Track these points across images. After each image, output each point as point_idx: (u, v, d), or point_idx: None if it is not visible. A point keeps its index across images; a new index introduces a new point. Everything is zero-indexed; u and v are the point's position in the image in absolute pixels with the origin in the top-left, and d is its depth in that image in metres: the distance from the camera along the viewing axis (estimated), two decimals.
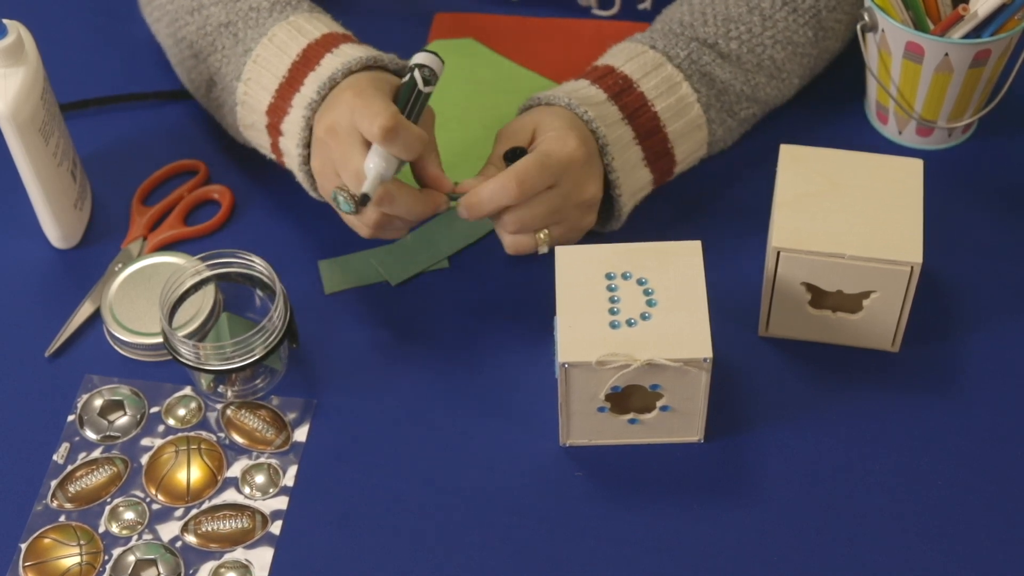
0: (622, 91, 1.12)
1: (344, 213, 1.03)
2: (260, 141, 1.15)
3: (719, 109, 1.15)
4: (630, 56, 1.14)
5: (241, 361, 1.04)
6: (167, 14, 1.21)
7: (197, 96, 1.21)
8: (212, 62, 1.17)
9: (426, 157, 1.06)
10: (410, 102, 1.05)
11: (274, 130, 1.12)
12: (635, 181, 1.12)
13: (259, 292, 1.10)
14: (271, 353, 1.05)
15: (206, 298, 1.12)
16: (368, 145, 1.03)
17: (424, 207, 1.05)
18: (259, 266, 1.07)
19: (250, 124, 1.15)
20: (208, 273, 1.09)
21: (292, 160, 1.12)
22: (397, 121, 1.01)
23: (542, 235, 1.07)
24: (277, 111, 1.12)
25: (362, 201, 1.02)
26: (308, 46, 1.12)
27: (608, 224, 1.14)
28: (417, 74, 1.05)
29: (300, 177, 1.12)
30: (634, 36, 1.17)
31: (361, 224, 1.06)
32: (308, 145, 1.10)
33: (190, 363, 1.05)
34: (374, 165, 1.02)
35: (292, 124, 1.10)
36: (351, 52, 1.10)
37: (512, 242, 1.08)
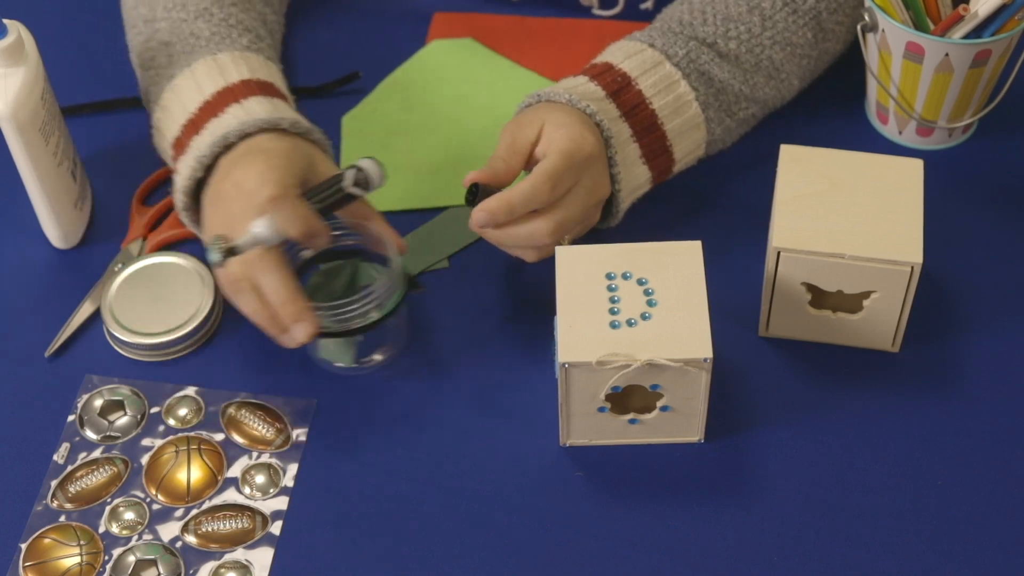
0: (620, 89, 1.12)
1: (212, 262, 1.02)
2: (170, 166, 1.14)
3: (717, 108, 1.15)
4: (628, 54, 1.14)
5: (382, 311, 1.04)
6: (130, 18, 1.21)
7: None
8: (148, 76, 1.17)
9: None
10: (327, 193, 1.04)
11: (175, 163, 1.11)
12: (634, 178, 1.12)
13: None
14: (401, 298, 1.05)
15: (205, 298, 1.12)
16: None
17: (286, 291, 1.01)
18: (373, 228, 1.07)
19: (162, 150, 1.15)
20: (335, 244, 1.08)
21: (176, 200, 1.10)
22: (283, 194, 1.01)
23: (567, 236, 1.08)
24: (179, 146, 1.11)
25: (228, 252, 1.00)
26: (224, 89, 1.10)
27: (606, 221, 1.14)
28: (349, 173, 1.04)
29: (182, 218, 1.11)
30: (633, 34, 1.17)
31: (219, 274, 1.04)
32: (190, 194, 1.08)
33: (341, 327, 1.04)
34: (259, 227, 1.01)
35: (184, 166, 1.09)
36: (255, 109, 1.08)
37: (542, 253, 1.08)
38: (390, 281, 1.05)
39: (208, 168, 1.07)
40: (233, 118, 1.07)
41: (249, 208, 1.02)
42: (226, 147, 1.06)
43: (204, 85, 1.11)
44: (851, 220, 1.04)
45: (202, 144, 1.07)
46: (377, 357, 1.09)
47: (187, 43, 1.14)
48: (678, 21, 1.17)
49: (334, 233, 1.06)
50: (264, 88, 1.12)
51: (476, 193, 1.06)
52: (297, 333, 1.02)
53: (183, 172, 1.08)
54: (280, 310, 1.01)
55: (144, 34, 1.18)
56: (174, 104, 1.12)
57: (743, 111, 1.17)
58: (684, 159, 1.16)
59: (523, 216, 1.05)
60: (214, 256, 1.00)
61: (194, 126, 1.10)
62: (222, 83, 1.11)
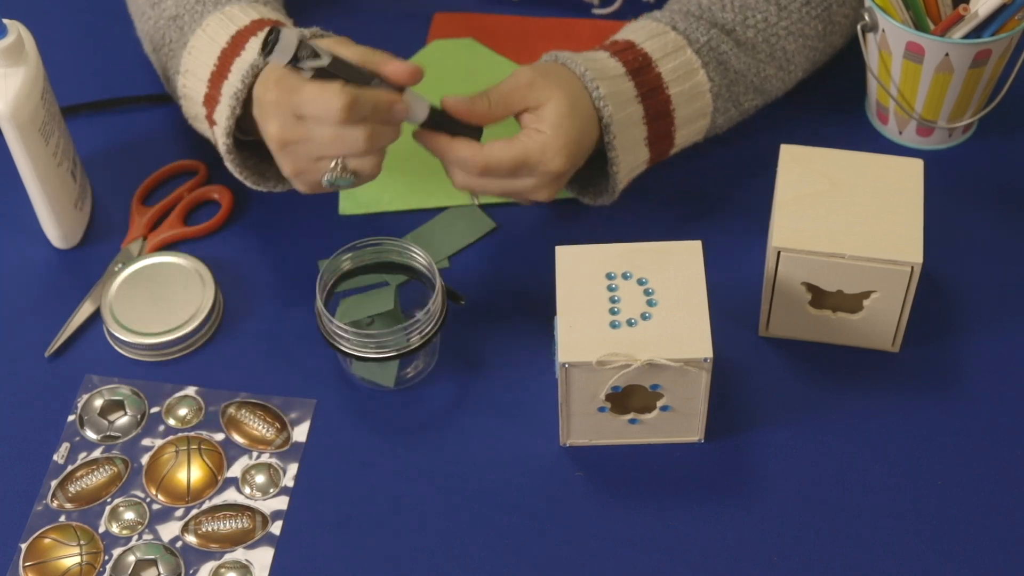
0: (641, 68, 1.11)
1: (342, 186, 1.04)
2: (207, 133, 1.14)
3: (726, 99, 1.15)
4: (651, 34, 1.13)
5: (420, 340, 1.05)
6: (137, 8, 1.21)
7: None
8: (163, 56, 1.17)
9: (376, 64, 1.03)
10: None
11: (210, 120, 1.11)
12: (633, 159, 1.12)
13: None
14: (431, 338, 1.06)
15: (205, 298, 1.12)
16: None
17: (381, 103, 1.02)
18: (418, 255, 1.08)
19: (194, 116, 1.14)
20: (368, 260, 1.08)
21: (221, 148, 1.10)
22: (352, 97, 1.00)
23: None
24: (211, 101, 1.10)
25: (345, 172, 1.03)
26: (237, 33, 1.11)
27: (600, 199, 1.13)
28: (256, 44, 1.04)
29: (229, 167, 1.11)
30: (651, 13, 1.16)
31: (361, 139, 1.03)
32: (231, 135, 1.08)
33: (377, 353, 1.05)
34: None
35: (220, 115, 1.09)
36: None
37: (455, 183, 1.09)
38: (434, 307, 1.05)
39: (246, 103, 1.07)
40: (253, 52, 1.08)
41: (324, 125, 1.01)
42: (255, 76, 1.06)
43: (218, 37, 1.11)
44: (851, 220, 1.04)
45: (233, 84, 1.07)
46: (409, 372, 1.09)
47: (194, 11, 1.14)
48: (696, 4, 1.15)
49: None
50: (278, 23, 1.12)
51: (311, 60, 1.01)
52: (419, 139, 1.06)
53: (222, 118, 1.08)
54: (388, 106, 1.02)
55: (152, 18, 1.18)
56: (195, 65, 1.12)
57: (748, 102, 1.17)
58: (681, 144, 1.15)
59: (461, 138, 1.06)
60: (343, 182, 1.03)
61: (220, 76, 1.10)
62: (234, 28, 1.11)
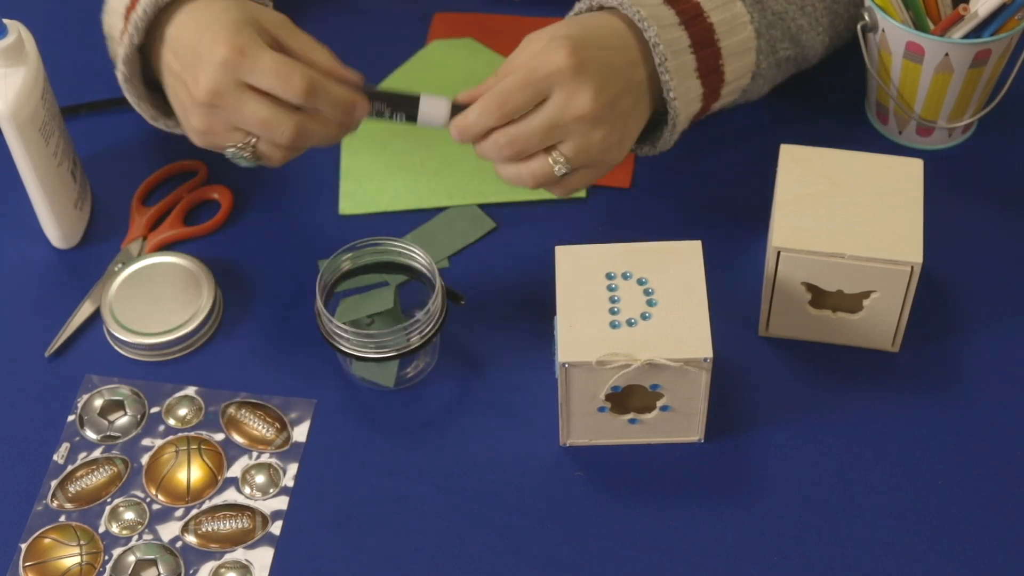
0: None
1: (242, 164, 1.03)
2: (120, 69, 1.07)
3: (766, 39, 1.12)
4: None
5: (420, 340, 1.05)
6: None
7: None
8: (105, 23, 1.14)
9: (312, 57, 1.00)
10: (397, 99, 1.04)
11: (115, 52, 1.08)
12: (688, 91, 1.08)
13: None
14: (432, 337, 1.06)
15: (205, 298, 1.12)
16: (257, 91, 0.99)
17: (342, 99, 1.00)
18: (419, 255, 1.07)
19: (113, 53, 1.11)
20: (368, 260, 1.08)
21: (119, 74, 1.06)
22: (312, 82, 0.98)
23: (554, 155, 1.02)
24: (121, 34, 1.06)
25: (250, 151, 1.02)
26: None
27: (660, 142, 1.09)
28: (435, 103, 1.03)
29: (125, 93, 1.07)
30: None
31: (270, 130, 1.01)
32: (130, 63, 1.05)
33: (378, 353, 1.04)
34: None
35: (124, 45, 1.05)
36: None
37: (515, 173, 1.03)
38: (434, 307, 1.05)
39: (148, 33, 1.04)
40: None
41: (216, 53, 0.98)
42: (159, 8, 1.03)
43: None
44: (851, 220, 1.04)
45: (138, 13, 1.03)
46: (409, 372, 1.09)
47: None
48: None
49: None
50: None
51: None
52: (453, 133, 1.02)
53: (124, 44, 1.05)
54: (347, 112, 1.00)
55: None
56: (113, 1, 1.09)
57: (784, 51, 1.14)
58: (732, 83, 1.11)
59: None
60: (242, 158, 1.02)
61: (130, 8, 1.05)
62: None
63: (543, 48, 1.03)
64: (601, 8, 1.08)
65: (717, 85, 1.10)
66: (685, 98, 1.08)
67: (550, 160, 1.03)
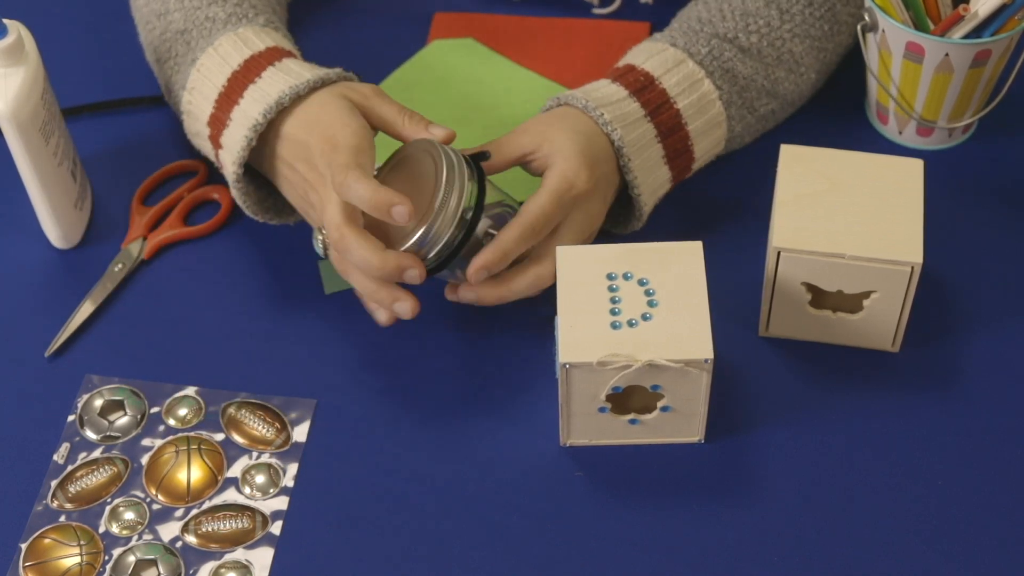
0: (643, 87, 1.11)
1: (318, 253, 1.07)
2: (206, 151, 1.15)
3: (740, 106, 1.15)
4: (650, 54, 1.14)
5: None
6: (142, 16, 1.21)
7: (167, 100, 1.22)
8: (167, 68, 1.17)
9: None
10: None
11: (215, 142, 1.12)
12: (654, 180, 1.12)
13: None
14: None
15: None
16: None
17: (381, 264, 1.02)
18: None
19: (195, 133, 1.15)
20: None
21: (228, 175, 1.11)
22: (356, 162, 1.02)
23: None
24: (217, 122, 1.11)
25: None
26: (250, 57, 1.11)
27: (630, 225, 1.14)
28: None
29: (234, 194, 1.11)
30: (653, 36, 1.17)
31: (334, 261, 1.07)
32: (244, 164, 1.09)
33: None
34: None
35: (231, 140, 1.09)
36: (296, 69, 1.09)
37: (534, 280, 1.07)
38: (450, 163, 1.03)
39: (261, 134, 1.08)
40: (274, 85, 1.08)
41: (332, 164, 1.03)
42: (280, 111, 1.07)
43: (230, 58, 1.11)
44: (851, 220, 1.04)
45: (251, 113, 1.07)
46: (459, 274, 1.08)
47: (204, 27, 1.14)
48: (696, 19, 1.16)
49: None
50: (291, 53, 1.12)
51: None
52: (403, 308, 1.05)
53: (233, 143, 1.08)
54: (388, 275, 1.03)
55: (158, 28, 1.18)
56: (202, 83, 1.12)
57: (763, 107, 1.17)
58: (703, 157, 1.15)
59: (515, 269, 1.06)
60: (318, 248, 1.06)
61: (228, 99, 1.10)
62: (248, 52, 1.11)
63: (565, 170, 1.06)
64: (567, 105, 1.11)
65: (687, 164, 1.14)
66: (650, 188, 1.12)
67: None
